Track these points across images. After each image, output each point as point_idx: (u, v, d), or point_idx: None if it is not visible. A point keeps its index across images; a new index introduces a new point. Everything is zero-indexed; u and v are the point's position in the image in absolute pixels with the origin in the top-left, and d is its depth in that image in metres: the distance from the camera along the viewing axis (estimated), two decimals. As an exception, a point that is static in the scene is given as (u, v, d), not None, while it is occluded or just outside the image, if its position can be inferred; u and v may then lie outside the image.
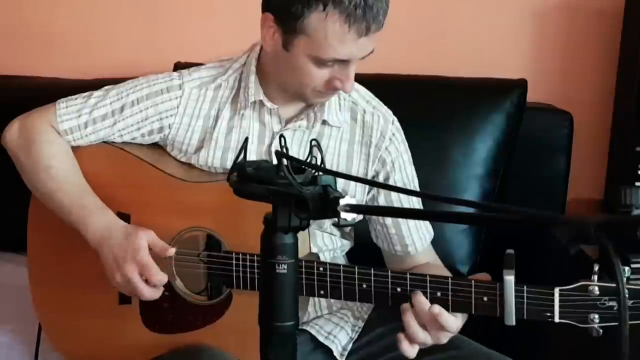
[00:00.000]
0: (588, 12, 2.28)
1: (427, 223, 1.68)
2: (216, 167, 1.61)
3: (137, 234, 1.47)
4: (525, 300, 1.31)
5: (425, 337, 1.37)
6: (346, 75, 1.46)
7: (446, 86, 2.11)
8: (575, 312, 1.29)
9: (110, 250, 1.47)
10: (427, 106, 2.05)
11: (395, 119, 1.66)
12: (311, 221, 1.04)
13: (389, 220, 1.64)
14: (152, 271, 1.45)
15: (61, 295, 1.66)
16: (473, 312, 1.36)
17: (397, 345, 1.38)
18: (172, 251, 1.49)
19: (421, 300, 1.36)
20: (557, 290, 1.30)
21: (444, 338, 1.39)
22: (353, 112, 1.63)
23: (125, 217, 1.56)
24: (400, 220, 1.63)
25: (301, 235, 1.04)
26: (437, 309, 1.34)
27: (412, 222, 1.64)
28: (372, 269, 1.41)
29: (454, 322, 1.36)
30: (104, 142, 1.64)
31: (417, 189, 1.69)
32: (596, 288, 1.28)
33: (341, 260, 1.71)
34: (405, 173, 1.66)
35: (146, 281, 1.46)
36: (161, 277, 1.46)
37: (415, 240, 1.65)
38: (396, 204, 1.63)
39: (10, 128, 1.64)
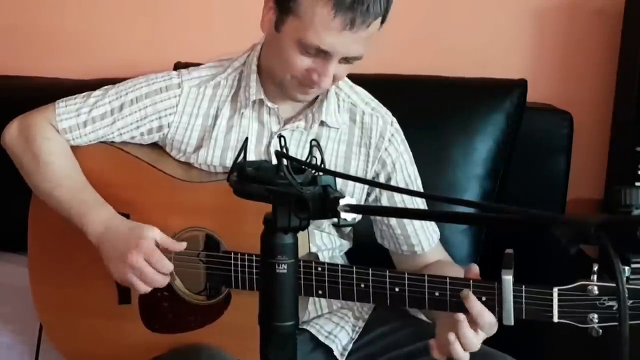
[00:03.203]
0: (588, 12, 2.27)
1: (433, 222, 1.67)
2: (215, 166, 1.61)
3: (142, 226, 1.47)
4: (523, 300, 1.31)
5: (477, 343, 1.34)
6: (325, 71, 1.44)
7: (446, 86, 2.11)
8: (575, 312, 1.29)
9: (112, 244, 1.47)
10: (427, 106, 2.05)
11: (395, 120, 1.66)
12: (310, 221, 1.04)
13: (393, 221, 1.63)
14: (159, 258, 1.44)
15: (61, 295, 1.66)
16: (472, 312, 1.36)
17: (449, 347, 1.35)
18: (183, 245, 1.48)
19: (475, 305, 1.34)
20: (555, 290, 1.30)
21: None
22: (352, 113, 1.63)
23: (124, 217, 1.55)
24: (405, 220, 1.63)
25: (300, 234, 1.04)
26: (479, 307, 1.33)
27: (417, 222, 1.64)
28: (370, 269, 1.41)
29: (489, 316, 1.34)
30: (103, 142, 1.64)
31: (420, 188, 1.68)
32: (595, 288, 1.28)
33: (340, 260, 1.71)
34: (407, 173, 1.65)
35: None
36: (168, 265, 1.45)
37: (422, 240, 1.65)
38: (400, 205, 1.62)
39: (9, 128, 1.65)
